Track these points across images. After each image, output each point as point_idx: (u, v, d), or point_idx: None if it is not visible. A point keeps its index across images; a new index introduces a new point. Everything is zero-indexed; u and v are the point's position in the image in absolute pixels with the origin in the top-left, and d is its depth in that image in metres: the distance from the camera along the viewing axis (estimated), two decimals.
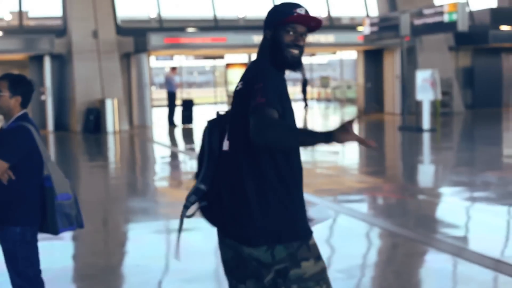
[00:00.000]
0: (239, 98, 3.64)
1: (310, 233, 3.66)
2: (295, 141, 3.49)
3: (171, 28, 28.13)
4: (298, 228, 3.63)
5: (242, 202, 3.58)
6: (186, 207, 3.85)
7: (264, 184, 3.58)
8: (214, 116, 3.87)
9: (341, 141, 3.31)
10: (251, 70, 3.68)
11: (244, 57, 40.60)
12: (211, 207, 3.76)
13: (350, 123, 3.30)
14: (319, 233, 8.17)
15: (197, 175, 3.85)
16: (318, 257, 3.64)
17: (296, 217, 3.63)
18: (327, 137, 3.31)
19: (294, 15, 3.65)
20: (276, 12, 3.72)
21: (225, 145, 3.70)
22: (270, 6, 3.86)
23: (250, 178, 3.59)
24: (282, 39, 3.66)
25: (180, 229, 3.92)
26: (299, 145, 3.59)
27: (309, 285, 3.60)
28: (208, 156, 3.76)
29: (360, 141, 3.34)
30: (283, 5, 3.72)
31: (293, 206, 3.63)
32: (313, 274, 3.61)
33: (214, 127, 3.81)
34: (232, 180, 3.63)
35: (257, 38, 26.49)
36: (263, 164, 3.58)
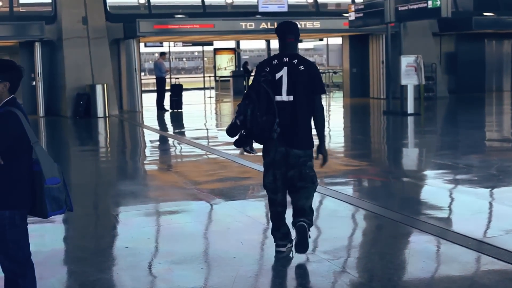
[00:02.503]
0: (304, 76, 6.47)
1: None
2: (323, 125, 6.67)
3: (160, 15, 28.12)
4: (313, 141, 6.62)
5: (300, 131, 6.50)
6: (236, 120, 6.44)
7: (308, 119, 6.57)
8: (264, 79, 6.40)
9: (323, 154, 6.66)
10: (304, 60, 6.57)
11: (232, 43, 40.56)
12: (279, 135, 6.41)
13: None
14: None
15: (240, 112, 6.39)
16: None
17: (312, 136, 6.61)
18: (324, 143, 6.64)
19: None
20: None
21: (284, 97, 6.45)
22: None
23: (303, 116, 6.51)
24: None
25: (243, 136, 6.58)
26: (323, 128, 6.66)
27: (313, 173, 6.63)
28: (262, 101, 6.33)
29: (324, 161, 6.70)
30: None
31: (311, 131, 6.58)
32: (312, 166, 6.66)
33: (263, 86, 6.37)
34: (294, 120, 6.46)
35: (244, 24, 26.50)
36: (309, 110, 6.52)
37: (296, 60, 6.50)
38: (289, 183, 6.62)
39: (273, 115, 6.32)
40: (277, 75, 6.45)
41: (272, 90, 6.38)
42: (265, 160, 6.65)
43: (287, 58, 6.50)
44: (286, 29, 6.59)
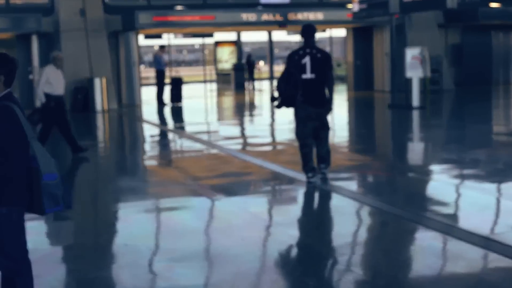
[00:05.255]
0: (320, 61, 9.75)
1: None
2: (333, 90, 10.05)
3: (160, 6, 28.01)
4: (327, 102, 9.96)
5: (320, 97, 9.80)
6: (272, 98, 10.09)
7: (324, 89, 9.80)
8: (293, 64, 9.76)
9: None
10: (320, 50, 9.95)
11: (233, 35, 40.49)
12: (306, 100, 9.71)
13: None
14: (309, 211, 8.81)
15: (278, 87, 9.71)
16: None
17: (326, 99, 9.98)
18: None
19: None
20: None
21: (308, 75, 9.66)
22: None
23: (322, 89, 9.80)
24: None
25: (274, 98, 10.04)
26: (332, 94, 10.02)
27: (327, 121, 9.98)
28: (291, 78, 9.58)
29: None
30: None
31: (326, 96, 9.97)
32: (327, 117, 10.07)
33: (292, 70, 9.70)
34: (316, 90, 9.76)
35: (245, 16, 26.41)
36: (324, 83, 9.78)
37: (315, 50, 9.89)
38: (315, 130, 9.89)
39: (296, 89, 9.57)
40: (303, 61, 9.78)
41: (299, 71, 9.68)
42: (297, 117, 9.93)
43: (309, 50, 9.86)
44: (308, 30, 9.99)
